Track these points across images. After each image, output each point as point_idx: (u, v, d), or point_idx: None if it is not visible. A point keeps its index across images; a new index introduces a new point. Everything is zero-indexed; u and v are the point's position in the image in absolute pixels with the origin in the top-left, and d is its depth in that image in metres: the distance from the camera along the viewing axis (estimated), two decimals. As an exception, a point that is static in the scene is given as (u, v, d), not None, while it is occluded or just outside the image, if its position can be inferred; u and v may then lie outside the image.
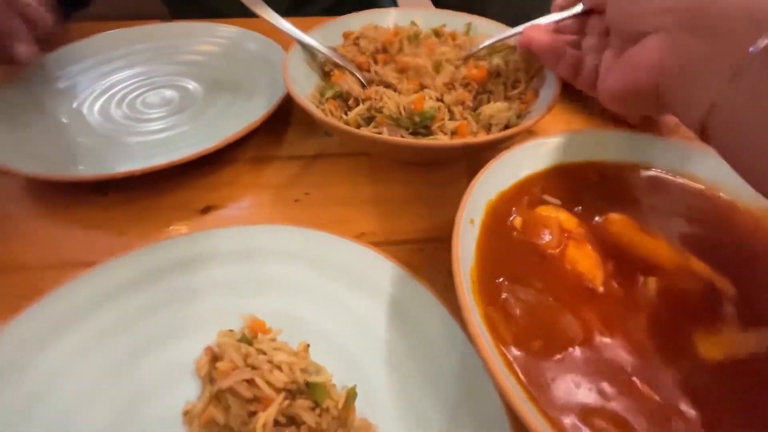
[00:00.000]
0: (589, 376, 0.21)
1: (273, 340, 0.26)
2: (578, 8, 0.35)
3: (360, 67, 0.43)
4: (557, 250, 0.26)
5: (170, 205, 0.38)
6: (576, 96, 0.49)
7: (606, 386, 0.21)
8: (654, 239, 0.27)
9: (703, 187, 0.31)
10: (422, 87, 0.41)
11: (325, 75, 0.44)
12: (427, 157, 0.40)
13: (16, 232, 0.35)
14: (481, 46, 0.42)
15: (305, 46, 0.44)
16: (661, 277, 0.25)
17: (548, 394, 0.21)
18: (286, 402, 0.23)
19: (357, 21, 0.48)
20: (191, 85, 0.50)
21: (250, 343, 0.25)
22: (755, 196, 0.29)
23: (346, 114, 0.39)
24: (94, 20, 0.60)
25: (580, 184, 0.31)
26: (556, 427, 0.19)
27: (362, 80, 0.42)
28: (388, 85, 0.40)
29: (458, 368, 0.25)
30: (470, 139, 0.35)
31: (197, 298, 0.29)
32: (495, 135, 0.34)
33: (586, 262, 0.26)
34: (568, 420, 0.20)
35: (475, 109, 0.40)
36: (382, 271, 0.29)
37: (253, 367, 0.23)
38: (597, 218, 0.29)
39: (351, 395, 0.24)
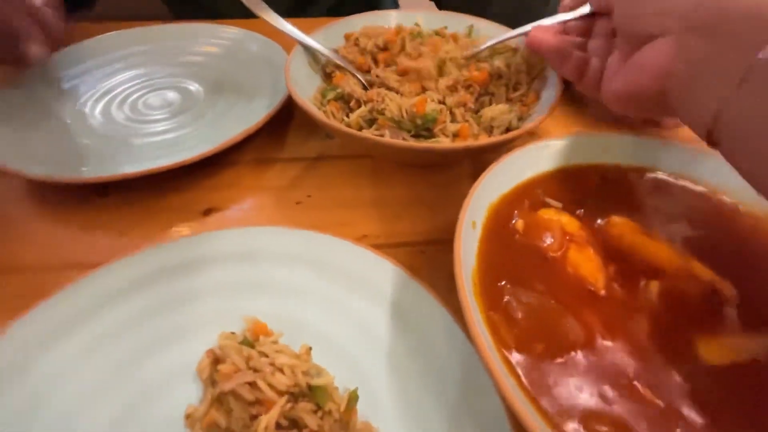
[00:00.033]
0: (590, 380, 0.21)
1: (275, 342, 0.26)
2: (585, 9, 0.34)
3: (361, 69, 0.43)
4: (559, 253, 0.26)
5: (172, 206, 0.38)
6: (577, 98, 0.49)
7: (608, 390, 0.21)
8: (656, 242, 0.27)
9: (705, 190, 0.31)
10: (424, 89, 0.41)
11: (327, 77, 0.44)
12: (428, 160, 0.40)
13: (17, 233, 0.36)
14: (486, 44, 0.42)
15: (307, 48, 0.44)
16: (663, 280, 0.25)
17: (550, 398, 0.21)
18: (288, 405, 0.23)
19: (359, 22, 0.48)
20: (193, 86, 0.50)
21: (251, 345, 0.26)
22: (757, 199, 0.29)
23: (347, 116, 0.39)
24: (95, 21, 0.60)
25: (581, 187, 0.31)
26: (557, 430, 0.19)
27: (364, 82, 0.43)
28: (389, 88, 0.40)
29: (459, 371, 0.25)
30: (472, 143, 0.35)
31: (199, 300, 0.29)
32: (496, 138, 0.34)
33: (587, 265, 0.26)
34: (569, 423, 0.20)
35: (476, 111, 0.40)
36: (383, 273, 0.29)
37: (255, 370, 0.23)
38: (599, 221, 0.29)
39: (353, 398, 0.24)
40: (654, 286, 0.25)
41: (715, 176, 0.31)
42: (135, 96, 0.48)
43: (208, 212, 0.38)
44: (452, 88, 0.40)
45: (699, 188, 0.31)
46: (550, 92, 0.39)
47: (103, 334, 0.27)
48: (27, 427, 0.23)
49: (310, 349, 0.26)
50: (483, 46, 0.42)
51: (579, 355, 0.22)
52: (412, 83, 0.40)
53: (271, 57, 0.51)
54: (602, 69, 0.31)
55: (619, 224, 0.28)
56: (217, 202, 0.39)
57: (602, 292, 0.25)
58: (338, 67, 0.43)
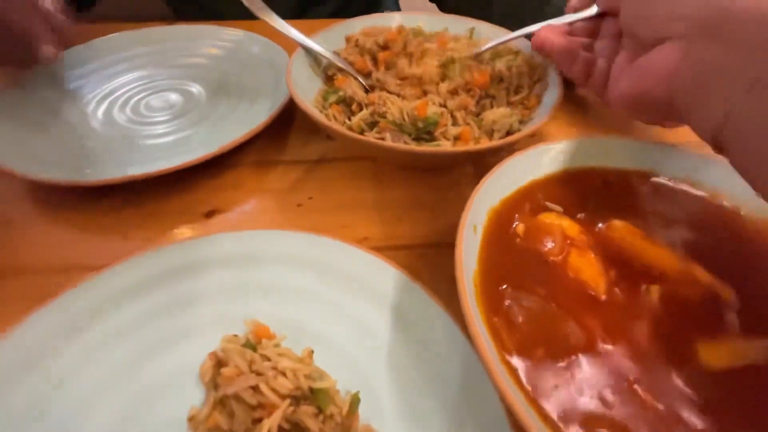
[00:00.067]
0: (591, 384, 0.22)
1: (277, 345, 0.26)
2: (592, 10, 0.34)
3: (362, 71, 0.43)
4: (560, 258, 0.27)
5: (174, 208, 0.38)
6: (578, 101, 0.49)
7: (608, 394, 0.21)
8: (656, 247, 0.27)
9: (705, 194, 0.31)
10: (425, 93, 0.41)
11: (329, 79, 0.44)
12: (429, 163, 0.40)
13: (19, 234, 0.36)
14: (494, 42, 0.42)
15: (308, 50, 0.44)
16: (664, 284, 0.25)
17: (551, 402, 0.21)
18: (290, 408, 0.23)
19: (360, 25, 0.48)
20: (195, 88, 0.50)
21: (254, 348, 0.26)
22: (758, 204, 0.29)
23: (349, 119, 0.39)
24: (97, 22, 0.60)
25: (582, 191, 0.31)
26: (558, 434, 0.20)
27: (365, 85, 0.43)
28: (390, 91, 0.41)
29: (460, 373, 0.25)
30: (473, 146, 0.36)
31: (201, 302, 0.29)
32: (497, 142, 0.35)
33: (588, 269, 0.26)
34: (570, 427, 0.20)
35: (477, 115, 0.40)
36: (384, 276, 0.29)
37: (258, 374, 0.24)
38: (600, 225, 0.29)
39: (355, 401, 0.24)
40: (655, 291, 0.25)
41: (716, 181, 0.31)
42: (137, 98, 0.49)
43: (210, 214, 0.38)
44: (453, 92, 0.40)
45: (699, 192, 0.31)
46: (552, 95, 0.39)
47: (107, 337, 0.27)
48: (30, 428, 0.23)
49: (312, 352, 0.26)
50: (491, 44, 0.42)
51: (580, 359, 0.22)
52: (413, 87, 0.41)
53: (273, 59, 0.51)
54: (608, 70, 0.31)
55: (620, 228, 0.28)
56: (219, 204, 0.39)
57: (603, 297, 0.25)
58: (340, 69, 0.43)
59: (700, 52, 0.22)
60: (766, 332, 0.24)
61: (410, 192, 0.40)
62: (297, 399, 0.24)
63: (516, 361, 0.22)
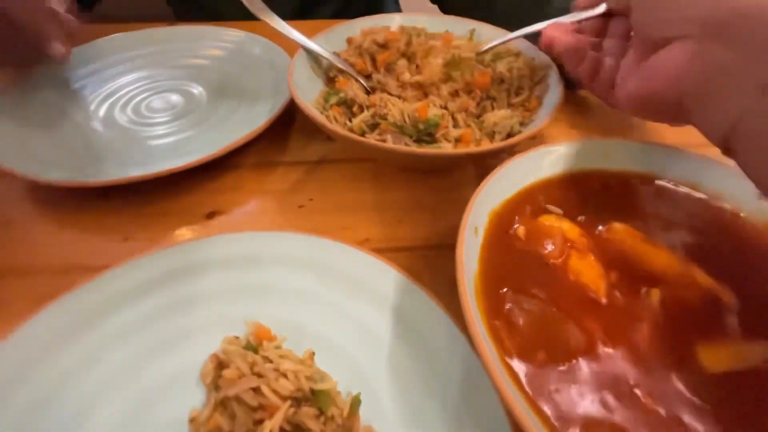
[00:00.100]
0: (592, 388, 0.22)
1: (278, 347, 0.26)
2: (601, 8, 0.34)
3: (363, 73, 0.43)
4: (560, 260, 0.27)
5: (175, 210, 0.38)
6: (580, 102, 0.49)
7: (609, 397, 0.21)
8: (657, 249, 0.27)
9: (706, 197, 0.31)
10: (426, 94, 0.41)
11: (330, 80, 0.44)
12: (430, 165, 0.40)
13: (21, 236, 0.36)
14: (499, 40, 0.42)
15: (310, 52, 0.44)
16: (664, 287, 0.25)
17: (551, 405, 0.21)
18: (292, 410, 0.23)
19: (361, 26, 0.48)
20: (196, 89, 0.50)
21: (255, 350, 0.26)
22: (759, 206, 0.30)
23: (350, 120, 0.39)
24: (98, 22, 0.60)
25: (583, 194, 0.31)
26: (559, 438, 0.20)
27: (366, 86, 0.43)
28: (391, 93, 0.41)
29: (461, 376, 0.25)
30: (474, 149, 0.36)
31: (202, 304, 0.29)
32: (498, 144, 0.35)
33: (589, 272, 0.26)
34: (570, 431, 0.20)
35: (478, 116, 0.40)
36: (385, 278, 0.29)
37: (259, 375, 0.24)
38: (600, 228, 0.29)
39: (355, 403, 0.25)
40: (655, 294, 0.25)
41: (717, 183, 0.31)
42: (138, 99, 0.49)
43: (211, 215, 0.38)
44: (454, 93, 0.40)
45: (700, 195, 0.31)
46: (552, 97, 0.39)
47: (107, 338, 0.27)
48: (32, 429, 0.23)
49: (314, 354, 0.26)
50: (496, 42, 0.42)
51: (580, 363, 0.22)
52: (414, 89, 0.41)
53: (274, 60, 0.51)
54: (616, 70, 0.30)
55: (620, 231, 0.28)
56: (220, 205, 0.39)
57: (603, 300, 0.25)
58: (341, 71, 0.43)
59: (710, 53, 0.22)
60: (767, 335, 0.24)
61: (411, 193, 0.40)
62: (298, 400, 0.24)
63: (516, 364, 0.22)
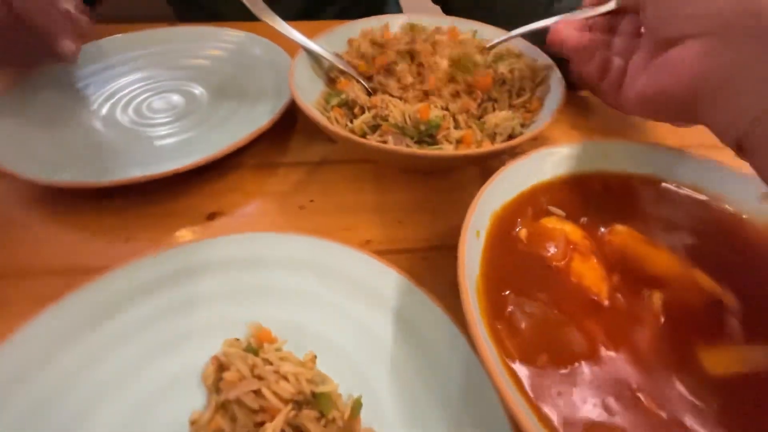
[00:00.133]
0: (594, 391, 0.21)
1: (279, 349, 0.26)
2: (611, 5, 0.33)
3: (365, 74, 0.43)
4: (562, 263, 0.27)
5: (176, 211, 0.38)
6: (582, 103, 0.49)
7: (611, 401, 0.21)
8: (659, 251, 0.27)
9: (708, 199, 0.31)
10: (427, 94, 0.41)
11: (331, 81, 0.44)
12: (432, 166, 0.40)
13: (22, 237, 0.36)
14: (507, 35, 0.41)
15: (311, 53, 0.44)
16: (666, 290, 0.25)
17: (553, 408, 0.21)
18: (292, 413, 0.23)
19: (362, 27, 0.48)
20: (197, 90, 0.50)
21: (256, 352, 0.26)
22: (761, 208, 0.29)
23: (351, 121, 0.39)
24: (99, 22, 0.60)
25: (585, 195, 0.31)
26: (561, 441, 0.20)
27: (367, 87, 0.43)
28: (392, 95, 0.40)
29: (463, 378, 0.25)
30: (475, 150, 0.35)
31: (203, 305, 0.29)
32: (500, 145, 0.35)
33: (591, 275, 0.26)
34: (572, 434, 0.20)
35: (479, 117, 0.40)
36: (387, 280, 0.29)
37: (260, 378, 0.24)
38: (602, 230, 0.29)
39: (356, 406, 0.24)
40: (657, 297, 0.25)
41: (718, 185, 0.31)
42: (139, 99, 0.49)
43: (212, 217, 0.38)
44: (455, 94, 0.40)
45: (701, 197, 0.31)
46: (554, 98, 0.39)
47: (109, 339, 0.27)
48: (32, 430, 0.23)
49: (315, 357, 0.26)
50: (504, 37, 0.41)
51: (582, 366, 0.22)
52: (415, 90, 0.40)
53: (275, 60, 0.51)
54: (625, 69, 0.30)
55: (623, 233, 0.28)
56: (221, 206, 0.39)
57: (605, 303, 0.25)
58: (342, 72, 0.43)
59: (726, 52, 0.21)
60: (769, 339, 0.24)
61: (412, 195, 0.40)
62: (299, 403, 0.24)
63: (518, 367, 0.22)
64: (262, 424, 0.23)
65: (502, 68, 0.42)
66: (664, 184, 0.32)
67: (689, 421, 0.21)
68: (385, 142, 0.37)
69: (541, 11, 0.49)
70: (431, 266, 0.34)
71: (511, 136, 0.38)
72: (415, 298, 0.28)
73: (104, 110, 0.47)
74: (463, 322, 0.23)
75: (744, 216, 0.30)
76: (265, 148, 0.44)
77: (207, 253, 0.31)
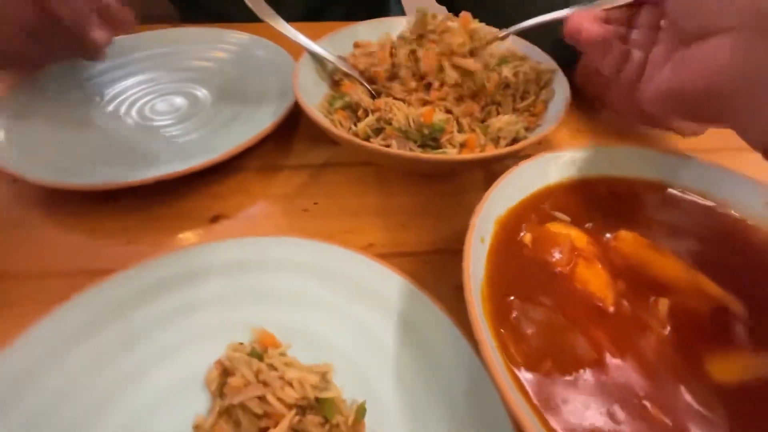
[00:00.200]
0: (599, 398, 0.21)
1: (283, 354, 0.26)
2: None
3: (370, 80, 0.43)
4: (567, 268, 0.26)
5: (179, 213, 0.38)
6: (588, 105, 0.49)
7: (617, 409, 0.21)
8: (664, 258, 0.27)
9: (714, 204, 0.31)
10: (428, 83, 0.40)
11: (335, 84, 0.44)
12: (435, 170, 0.40)
13: (25, 239, 0.36)
14: (523, 25, 0.40)
15: (314, 55, 0.44)
16: (672, 297, 0.25)
17: (558, 416, 0.21)
18: (297, 418, 0.23)
19: (365, 29, 0.48)
20: (200, 92, 0.50)
21: (260, 357, 0.26)
22: (766, 214, 0.29)
23: (355, 125, 0.39)
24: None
25: (590, 200, 0.31)
26: (566, 449, 0.20)
27: (371, 90, 0.43)
28: (396, 98, 0.40)
29: (466, 383, 0.25)
30: (479, 154, 0.35)
31: (206, 309, 0.29)
32: (505, 149, 0.34)
33: (596, 281, 0.26)
34: (578, 442, 0.20)
35: (483, 121, 0.40)
36: (390, 284, 0.29)
37: (265, 384, 0.23)
38: (607, 235, 0.29)
39: (360, 411, 0.24)
40: (663, 303, 0.25)
41: (725, 191, 0.31)
42: (142, 101, 0.49)
43: (215, 219, 0.38)
44: (459, 98, 0.40)
45: (708, 203, 0.31)
46: (558, 102, 0.39)
47: (112, 343, 0.27)
48: (36, 435, 0.23)
49: (330, 370, 0.26)
50: (518, 26, 0.40)
51: (587, 373, 0.22)
52: (419, 93, 0.40)
53: (278, 62, 0.51)
54: (644, 63, 0.28)
55: (628, 239, 0.28)
56: (224, 209, 0.39)
57: (611, 309, 0.25)
58: (346, 74, 0.43)
59: (756, 48, 0.20)
60: (776, 346, 0.24)
61: (415, 198, 0.40)
62: (303, 409, 0.24)
63: (523, 374, 0.22)
64: (266, 429, 0.23)
65: (506, 71, 0.42)
66: (669, 190, 0.32)
67: (695, 429, 0.20)
68: (388, 145, 0.37)
69: (548, 11, 0.48)
70: (434, 270, 0.34)
71: (515, 140, 0.38)
72: (418, 302, 0.28)
73: (107, 112, 0.47)
74: (466, 325, 0.23)
75: (750, 222, 0.30)
76: (269, 150, 0.44)
77: (210, 256, 0.31)
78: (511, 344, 0.23)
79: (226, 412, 0.24)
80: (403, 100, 0.40)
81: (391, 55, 0.43)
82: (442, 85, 0.40)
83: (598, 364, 0.23)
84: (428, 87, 0.41)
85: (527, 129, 0.39)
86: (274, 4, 0.45)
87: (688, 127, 0.38)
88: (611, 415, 0.21)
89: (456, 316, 0.27)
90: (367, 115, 0.39)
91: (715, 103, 0.23)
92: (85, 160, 0.40)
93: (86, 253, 0.35)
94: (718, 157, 0.32)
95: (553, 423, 0.20)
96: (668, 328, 0.24)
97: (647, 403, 0.21)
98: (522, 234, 0.28)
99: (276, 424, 0.23)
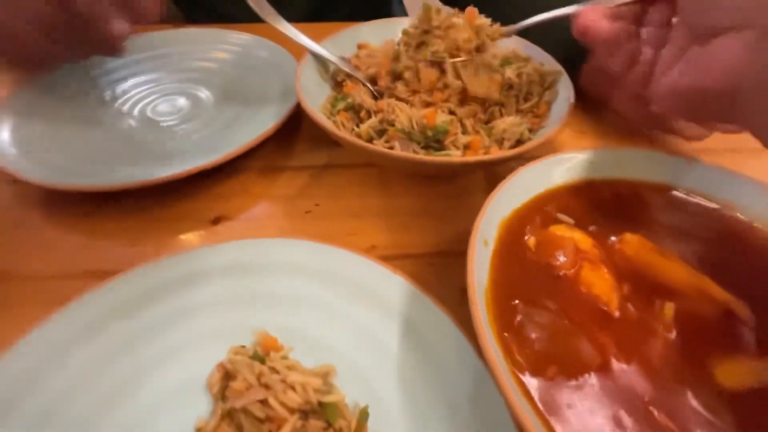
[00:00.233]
0: (604, 404, 0.21)
1: (285, 357, 0.26)
2: None
3: (373, 81, 0.43)
4: (572, 272, 0.26)
5: (181, 214, 0.38)
6: (587, 107, 0.49)
7: (622, 414, 0.21)
8: (670, 261, 0.27)
9: (719, 207, 0.31)
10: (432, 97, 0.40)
11: (337, 85, 0.44)
12: (438, 172, 0.40)
13: (27, 241, 0.36)
14: (531, 20, 0.40)
15: (317, 56, 0.43)
16: (678, 301, 0.25)
17: (563, 421, 0.21)
18: (299, 422, 0.23)
19: (368, 30, 0.48)
20: (203, 93, 0.50)
21: (262, 360, 0.25)
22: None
23: (357, 126, 0.39)
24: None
25: (594, 203, 0.31)
26: (572, 455, 0.19)
27: (374, 92, 0.42)
28: (399, 98, 0.40)
29: (469, 387, 0.25)
30: (484, 156, 0.35)
31: (208, 312, 0.29)
32: (509, 152, 0.34)
33: (601, 284, 0.25)
34: (583, 447, 0.20)
35: (486, 122, 0.40)
36: (393, 287, 0.29)
37: (267, 387, 0.23)
38: (612, 238, 0.28)
39: (363, 415, 0.24)
40: (669, 308, 0.24)
41: (730, 194, 0.30)
42: (144, 102, 0.49)
43: (217, 221, 0.38)
44: (462, 100, 0.40)
45: (713, 205, 0.31)
46: (562, 103, 0.39)
47: (114, 345, 0.27)
48: (38, 438, 0.23)
49: (332, 372, 0.26)
50: (525, 22, 0.40)
51: (593, 378, 0.22)
52: (422, 94, 0.40)
53: (281, 63, 0.51)
54: (654, 62, 0.28)
55: (633, 242, 0.28)
56: (226, 210, 0.39)
57: (616, 313, 0.25)
58: (348, 75, 0.43)
59: None
60: (783, 351, 0.23)
61: (418, 199, 0.40)
62: (306, 413, 0.24)
63: (528, 378, 0.22)
64: (268, 433, 0.23)
65: (510, 73, 0.41)
66: (674, 192, 0.32)
67: (702, 435, 0.20)
68: (391, 147, 0.37)
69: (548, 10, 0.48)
70: (437, 272, 0.34)
71: (519, 141, 0.38)
72: (421, 305, 0.28)
73: (109, 113, 0.47)
74: (469, 328, 0.22)
75: (756, 225, 0.29)
76: (271, 151, 0.44)
77: (212, 258, 0.30)
78: (516, 348, 0.23)
79: (228, 416, 0.24)
80: (406, 101, 0.40)
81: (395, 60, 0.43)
82: (446, 87, 0.40)
83: (603, 369, 0.22)
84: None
85: (531, 130, 0.39)
86: (276, 5, 0.45)
87: (693, 130, 0.37)
88: (617, 421, 0.21)
89: (459, 319, 0.27)
90: (369, 117, 0.39)
91: (729, 103, 0.22)
92: (86, 161, 0.40)
93: (88, 255, 0.35)
94: (723, 159, 0.32)
95: (558, 428, 0.20)
96: (674, 332, 0.24)
97: (653, 409, 0.21)
98: (526, 237, 0.28)
99: (278, 429, 0.23)
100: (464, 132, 0.38)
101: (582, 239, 0.28)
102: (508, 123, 0.38)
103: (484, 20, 0.41)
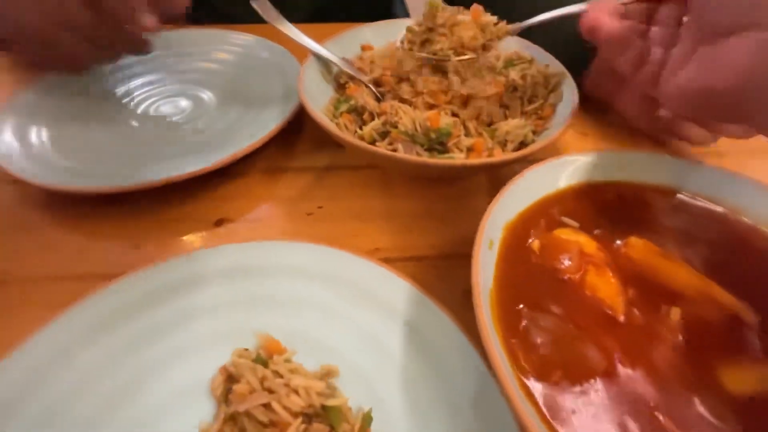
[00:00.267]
0: (610, 409, 0.21)
1: (288, 360, 0.26)
2: None
3: (376, 83, 0.43)
4: (577, 276, 0.26)
5: (183, 216, 0.38)
6: (591, 109, 0.48)
7: (628, 420, 0.21)
8: (675, 265, 0.27)
9: (725, 210, 0.30)
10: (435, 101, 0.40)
11: (340, 87, 0.44)
12: (441, 174, 0.40)
13: (30, 242, 0.36)
14: (538, 19, 0.39)
15: (320, 57, 0.43)
16: (684, 305, 0.25)
17: (568, 427, 0.20)
18: (303, 426, 0.23)
19: (370, 31, 0.48)
20: (205, 94, 0.50)
21: (265, 363, 0.25)
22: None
23: (360, 128, 0.39)
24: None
25: (599, 206, 0.30)
26: (577, 461, 0.19)
27: (377, 93, 0.42)
28: (402, 100, 0.40)
29: (473, 390, 0.25)
30: (487, 159, 0.35)
31: (211, 314, 0.29)
32: (512, 155, 0.34)
33: (606, 288, 0.25)
34: (588, 453, 0.20)
35: (490, 124, 0.40)
36: (396, 290, 0.29)
37: (270, 391, 0.23)
38: (617, 242, 0.28)
39: (367, 419, 0.24)
40: (675, 313, 0.24)
41: (736, 197, 0.30)
42: (147, 103, 0.48)
43: (219, 223, 0.38)
44: (465, 101, 0.40)
45: (719, 209, 0.31)
46: (566, 106, 0.38)
47: (117, 348, 0.27)
48: (41, 440, 0.23)
49: (332, 372, 0.26)
50: (532, 20, 0.39)
51: (598, 383, 0.22)
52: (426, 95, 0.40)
53: (283, 64, 0.51)
54: (664, 61, 0.28)
55: (638, 246, 0.28)
56: (229, 212, 0.38)
57: (621, 317, 0.24)
58: (351, 77, 0.43)
59: None
60: (790, 357, 0.23)
61: (421, 202, 0.40)
62: (309, 417, 0.24)
63: (533, 383, 0.22)
64: (271, 437, 0.23)
65: (514, 74, 0.41)
66: (679, 195, 0.32)
67: (709, 441, 0.20)
68: (394, 149, 0.36)
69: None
70: (441, 274, 0.34)
71: (522, 143, 0.38)
72: (425, 309, 0.28)
73: (112, 115, 0.47)
74: (473, 331, 0.22)
75: (762, 228, 0.29)
76: (273, 153, 0.44)
77: (216, 261, 0.30)
78: (521, 353, 0.23)
79: (232, 419, 0.24)
80: (409, 103, 0.40)
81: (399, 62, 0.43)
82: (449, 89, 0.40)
83: (609, 374, 0.22)
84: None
85: (535, 132, 0.38)
86: (279, 6, 0.45)
87: (698, 135, 0.37)
88: (622, 426, 0.21)
89: (463, 322, 0.26)
90: (372, 119, 0.39)
91: (738, 102, 0.22)
92: (89, 163, 0.40)
93: (90, 257, 0.35)
94: (729, 162, 0.32)
95: (564, 434, 0.20)
96: (680, 337, 0.24)
97: (659, 415, 0.21)
98: (530, 240, 0.28)
99: (282, 433, 0.22)
100: (467, 134, 0.38)
101: (587, 243, 0.27)
102: (511, 125, 0.37)
103: (489, 18, 0.40)
